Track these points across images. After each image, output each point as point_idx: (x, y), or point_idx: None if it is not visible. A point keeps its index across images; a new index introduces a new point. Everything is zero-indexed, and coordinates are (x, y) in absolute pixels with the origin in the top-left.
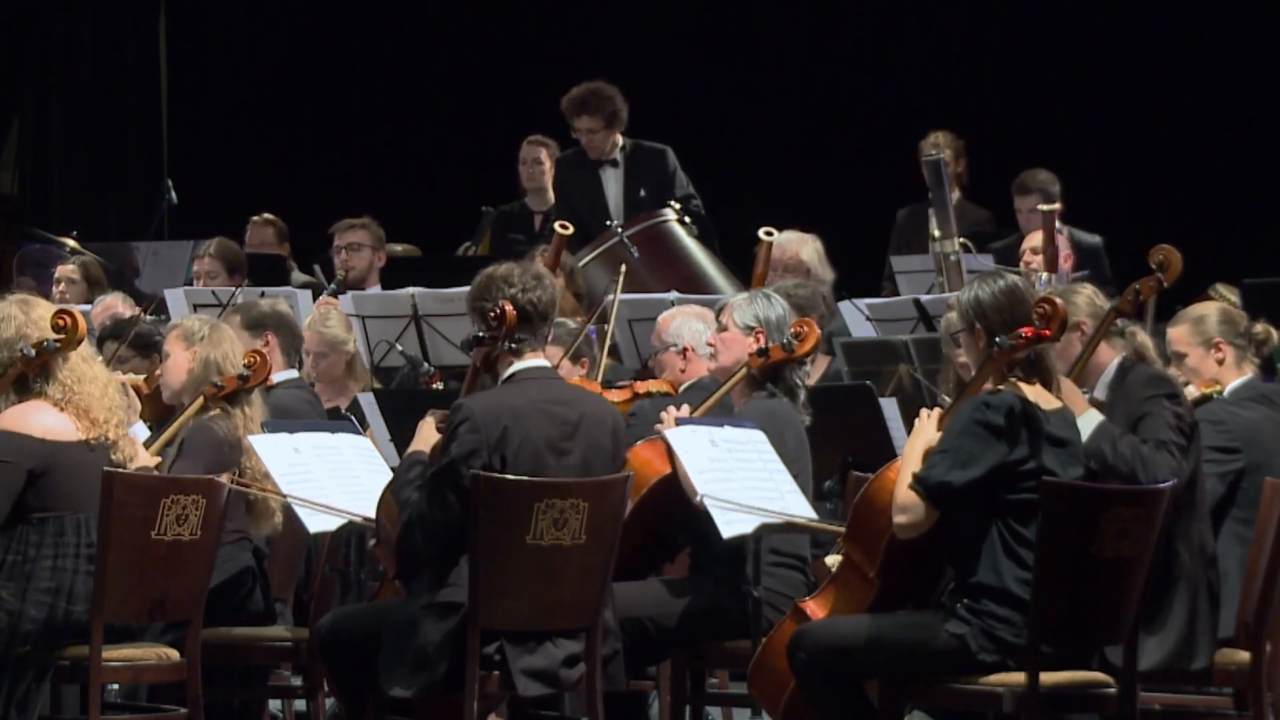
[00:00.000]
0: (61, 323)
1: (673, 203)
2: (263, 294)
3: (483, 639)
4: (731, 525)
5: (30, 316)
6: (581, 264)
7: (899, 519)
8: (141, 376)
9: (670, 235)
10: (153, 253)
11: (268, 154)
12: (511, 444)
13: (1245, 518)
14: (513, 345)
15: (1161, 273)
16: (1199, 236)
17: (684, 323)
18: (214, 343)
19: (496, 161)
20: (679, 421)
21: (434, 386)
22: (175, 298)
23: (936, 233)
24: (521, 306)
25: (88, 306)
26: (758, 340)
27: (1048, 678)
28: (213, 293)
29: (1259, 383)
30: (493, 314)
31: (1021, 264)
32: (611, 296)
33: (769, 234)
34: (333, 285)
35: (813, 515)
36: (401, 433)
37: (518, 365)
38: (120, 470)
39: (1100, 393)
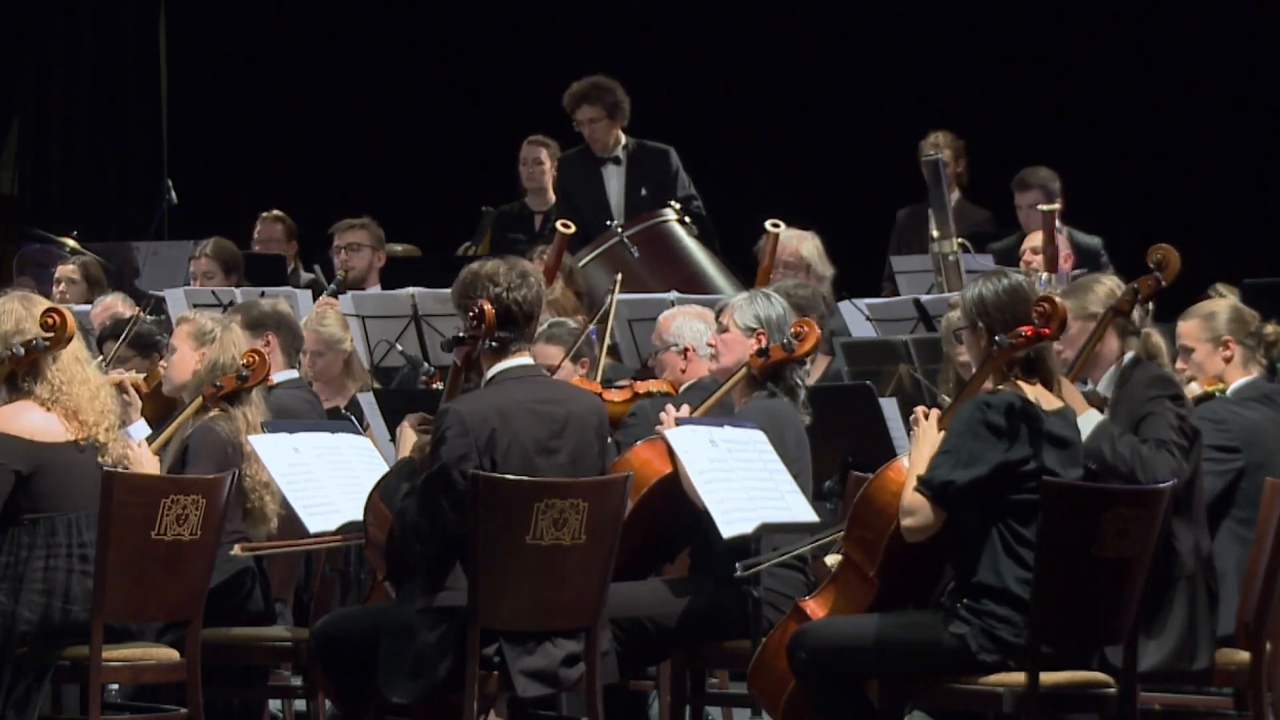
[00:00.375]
0: (51, 321)
1: (673, 203)
2: (263, 294)
3: (482, 639)
4: (731, 525)
5: (32, 313)
6: (581, 264)
7: (906, 522)
8: (141, 375)
9: (670, 235)
10: (153, 253)
11: (268, 154)
12: (500, 445)
13: (1245, 518)
14: (494, 344)
15: (1160, 272)
16: (1199, 236)
17: (684, 323)
18: (223, 346)
19: (496, 161)
20: (679, 421)
21: (434, 386)
22: (175, 298)
23: (935, 233)
24: (505, 305)
25: (88, 306)
26: (759, 340)
27: (1048, 678)
28: (213, 292)
29: (1263, 383)
30: (472, 313)
31: (1021, 264)
32: (612, 296)
33: (775, 225)
34: (333, 285)
35: (813, 516)
36: None
37: (501, 365)
38: (120, 470)
39: (1104, 388)
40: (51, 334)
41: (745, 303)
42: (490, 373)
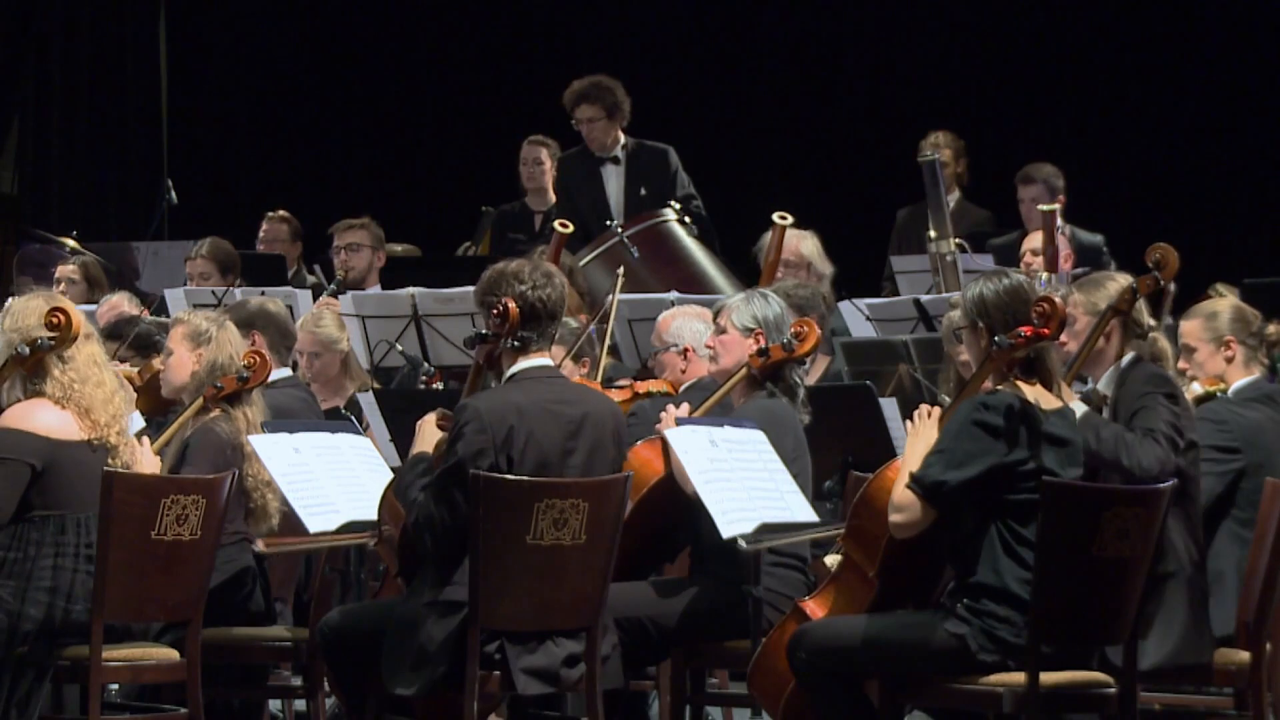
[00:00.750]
0: (55, 320)
1: (673, 202)
2: (263, 293)
3: (483, 638)
4: (731, 525)
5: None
6: (582, 264)
7: (895, 518)
8: (135, 369)
9: (670, 235)
10: (153, 253)
11: (267, 154)
12: (517, 443)
13: (1245, 518)
14: (516, 343)
15: (1158, 271)
16: (1199, 236)
17: (684, 323)
18: (220, 345)
19: (496, 161)
20: (679, 421)
21: (434, 386)
22: (175, 298)
23: (932, 233)
24: (530, 304)
25: (88, 306)
26: (757, 341)
27: (1048, 678)
28: (212, 292)
29: (1264, 383)
30: (496, 311)
31: (1022, 265)
32: (612, 296)
33: (783, 218)
34: (333, 285)
35: (813, 516)
36: (401, 433)
37: (521, 364)
38: (120, 470)
39: (1104, 387)
40: (56, 333)
41: (742, 303)
42: (510, 371)
